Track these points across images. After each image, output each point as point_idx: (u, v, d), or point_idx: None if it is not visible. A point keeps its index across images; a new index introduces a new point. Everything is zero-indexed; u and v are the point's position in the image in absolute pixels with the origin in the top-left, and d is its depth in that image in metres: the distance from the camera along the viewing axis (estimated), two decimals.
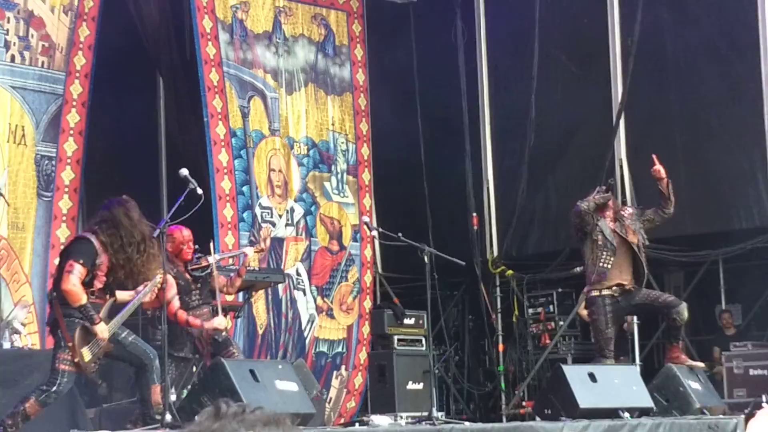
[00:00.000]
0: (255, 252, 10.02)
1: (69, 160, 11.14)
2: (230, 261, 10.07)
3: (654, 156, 10.09)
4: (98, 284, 7.52)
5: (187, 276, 8.90)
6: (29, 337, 10.06)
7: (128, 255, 7.51)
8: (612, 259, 9.70)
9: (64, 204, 11.01)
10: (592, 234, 9.75)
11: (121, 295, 7.69)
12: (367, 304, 13.31)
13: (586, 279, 9.98)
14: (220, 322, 8.67)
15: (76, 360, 7.50)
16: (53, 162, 10.97)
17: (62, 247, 8.70)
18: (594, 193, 9.87)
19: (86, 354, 7.46)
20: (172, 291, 8.57)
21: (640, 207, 10.49)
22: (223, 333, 9.17)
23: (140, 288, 7.75)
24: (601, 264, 9.67)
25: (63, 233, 10.66)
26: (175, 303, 8.53)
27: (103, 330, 7.45)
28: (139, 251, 7.54)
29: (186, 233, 8.94)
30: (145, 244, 7.58)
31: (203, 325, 8.67)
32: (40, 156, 10.93)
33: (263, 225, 12.46)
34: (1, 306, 10.14)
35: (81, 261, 7.44)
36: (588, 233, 9.78)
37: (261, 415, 1.86)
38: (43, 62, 11.06)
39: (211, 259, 8.98)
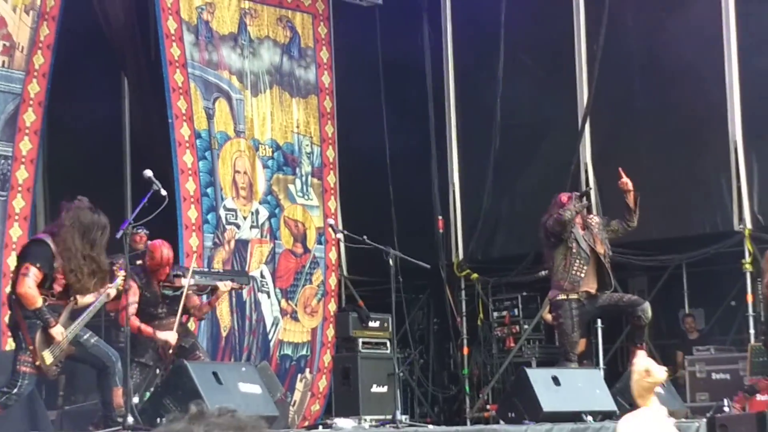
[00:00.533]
0: (228, 289, 10.00)
1: (23, 160, 11.10)
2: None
3: (620, 169, 10.14)
4: (58, 287, 7.50)
5: (156, 290, 8.92)
6: None
7: (78, 258, 7.50)
8: (585, 267, 9.79)
9: (17, 203, 10.94)
10: (567, 241, 9.81)
11: (83, 299, 7.68)
12: (332, 306, 13.29)
13: (553, 283, 10.02)
14: (170, 336, 8.72)
15: (37, 363, 7.48)
16: (9, 161, 10.94)
17: (21, 248, 8.64)
18: (573, 201, 9.91)
19: (47, 357, 7.44)
20: (132, 297, 8.60)
21: (606, 217, 10.53)
22: (191, 339, 9.21)
23: (101, 291, 7.74)
24: (574, 272, 9.76)
25: (15, 233, 10.60)
26: (131, 309, 8.55)
27: (59, 333, 7.43)
28: (88, 260, 7.53)
29: (167, 254, 9.06)
30: (98, 251, 7.56)
31: (155, 334, 8.71)
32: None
33: (227, 227, 12.46)
34: None
35: (38, 265, 7.43)
36: (564, 240, 9.84)
37: (229, 420, 1.87)
38: (3, 62, 11.01)
39: (185, 282, 9.04)
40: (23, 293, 7.42)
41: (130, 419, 7.46)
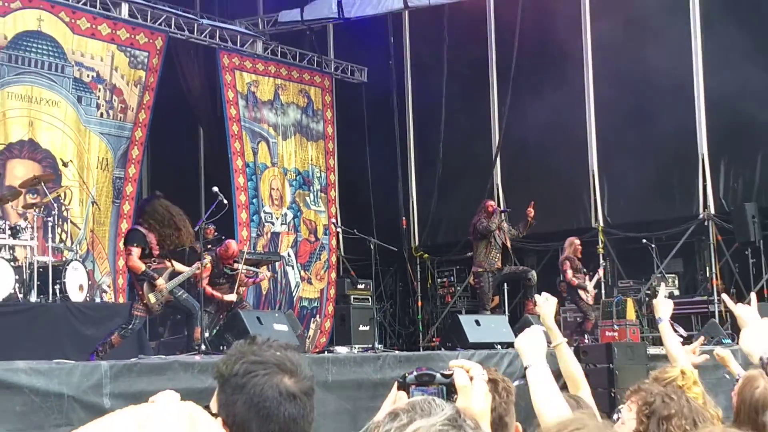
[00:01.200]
0: (265, 278, 10.37)
1: (130, 179, 11.11)
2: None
3: (532, 202, 10.09)
4: (155, 252, 7.43)
5: (222, 269, 9.04)
6: (112, 294, 9.98)
7: (166, 231, 7.41)
8: (498, 255, 9.88)
9: (125, 207, 10.97)
10: (488, 238, 9.84)
11: (178, 266, 7.63)
12: (333, 275, 13.27)
13: (476, 262, 10.02)
14: (231, 297, 8.87)
15: (145, 302, 7.39)
16: (121, 180, 10.95)
17: (123, 236, 8.58)
18: (497, 216, 9.93)
19: (152, 298, 7.38)
20: (206, 272, 8.66)
21: (509, 225, 10.46)
22: (240, 297, 9.23)
23: (194, 266, 7.73)
24: (491, 258, 9.86)
25: (124, 226, 10.59)
26: (204, 281, 8.63)
27: (161, 283, 7.36)
28: (171, 225, 7.43)
29: (235, 249, 9.27)
30: (174, 219, 7.46)
31: (222, 297, 8.82)
32: (115, 177, 10.89)
33: (266, 224, 12.45)
34: (94, 275, 10.03)
35: (135, 244, 7.36)
36: (486, 237, 9.87)
37: (279, 343, 1.87)
38: (120, 117, 10.98)
39: (239, 267, 9.14)
40: (131, 265, 7.39)
41: (203, 347, 7.41)
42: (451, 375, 1.80)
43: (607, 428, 1.86)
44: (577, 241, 10.64)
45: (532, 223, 10.13)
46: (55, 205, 8.97)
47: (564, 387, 3.13)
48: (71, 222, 10.03)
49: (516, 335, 9.10)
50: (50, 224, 8.67)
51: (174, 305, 7.78)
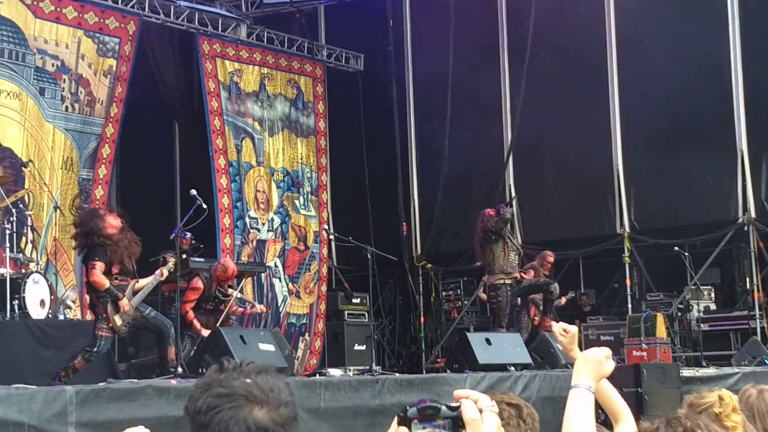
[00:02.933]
0: (261, 311, 10.45)
1: (101, 181, 11.11)
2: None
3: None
4: (114, 270, 7.47)
5: (213, 292, 9.03)
6: (78, 311, 9.96)
7: (126, 254, 7.48)
8: (516, 257, 9.77)
9: None
10: (504, 238, 9.75)
11: (142, 281, 7.64)
12: (324, 288, 13.27)
13: (491, 270, 9.85)
14: (206, 333, 8.77)
15: (110, 325, 7.44)
16: (90, 182, 10.94)
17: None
18: (505, 210, 9.88)
19: (118, 320, 7.41)
20: (194, 295, 8.74)
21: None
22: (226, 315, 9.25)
23: (156, 273, 7.71)
24: (510, 260, 9.71)
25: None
26: (190, 304, 8.74)
27: (125, 303, 7.40)
28: (131, 252, 7.51)
29: (233, 270, 9.24)
30: (127, 238, 7.53)
31: (200, 331, 8.79)
32: (82, 178, 10.88)
33: (251, 230, 12.44)
34: (56, 288, 10.02)
35: (98, 259, 7.40)
36: (501, 236, 9.79)
37: (253, 367, 1.84)
38: (87, 111, 10.98)
39: (234, 293, 9.20)
40: (95, 281, 7.40)
41: (179, 370, 7.41)
42: (457, 407, 1.78)
43: None
44: (551, 258, 10.68)
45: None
46: (14, 210, 8.93)
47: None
48: (34, 230, 10.02)
49: (532, 356, 9.05)
50: (8, 232, 8.65)
51: (142, 324, 7.79)
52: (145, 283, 7.63)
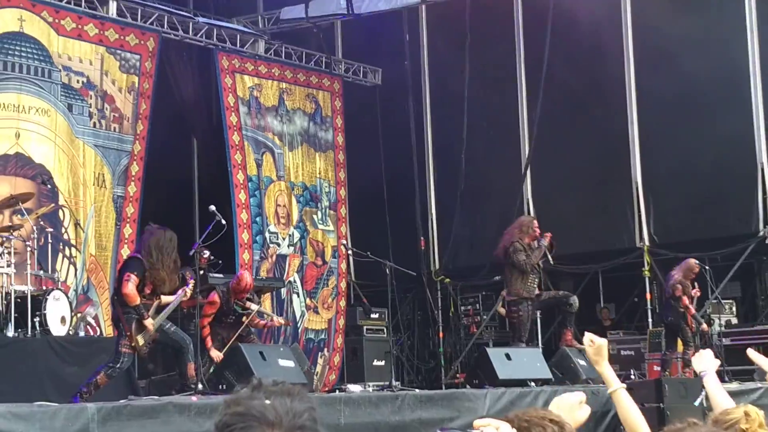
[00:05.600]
0: (279, 324, 10.53)
1: (131, 199, 11.16)
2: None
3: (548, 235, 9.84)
4: (147, 290, 7.50)
5: (231, 305, 9.00)
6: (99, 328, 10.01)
7: (161, 269, 7.51)
8: (536, 280, 9.65)
9: (126, 231, 11.00)
10: (524, 269, 9.56)
11: (165, 298, 7.67)
12: (342, 303, 13.28)
13: (511, 290, 9.64)
14: (217, 355, 8.70)
15: (133, 344, 7.47)
16: (122, 200, 11.02)
17: (122, 263, 8.65)
18: (540, 249, 9.62)
19: (140, 340, 7.43)
20: (211, 309, 8.76)
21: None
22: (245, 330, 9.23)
23: (179, 292, 7.73)
24: (529, 284, 9.49)
25: (125, 252, 10.62)
26: (207, 319, 8.74)
27: (150, 323, 7.42)
28: (167, 268, 7.54)
29: (250, 282, 9.21)
30: (170, 260, 7.57)
31: (210, 351, 8.72)
32: (116, 196, 10.96)
33: (271, 245, 12.49)
34: (96, 306, 10.16)
35: (135, 273, 7.41)
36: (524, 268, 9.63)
37: (277, 388, 1.80)
38: (114, 128, 11.08)
39: (254, 307, 9.15)
40: (127, 293, 7.39)
41: (200, 386, 7.43)
42: None
43: None
44: (696, 269, 10.57)
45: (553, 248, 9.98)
46: (34, 228, 8.98)
47: None
48: (73, 246, 10.11)
49: (552, 371, 9.01)
50: (29, 249, 8.72)
51: (161, 340, 7.81)
52: (168, 301, 7.67)
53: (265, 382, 1.83)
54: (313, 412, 1.77)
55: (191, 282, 7.87)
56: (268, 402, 1.76)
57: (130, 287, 7.35)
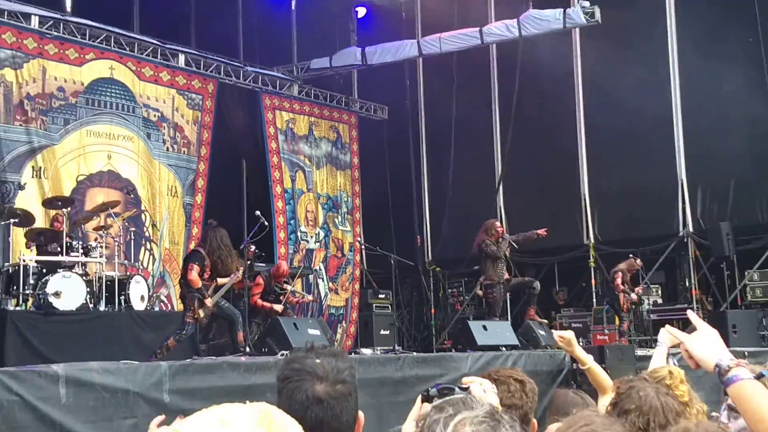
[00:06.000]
0: (308, 300, 10.62)
1: (198, 206, 11.24)
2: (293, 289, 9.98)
3: (544, 229, 9.72)
4: (206, 274, 7.51)
5: (272, 286, 9.11)
6: (176, 304, 10.02)
7: (218, 259, 7.54)
8: (504, 266, 9.62)
9: (194, 230, 11.06)
10: (496, 257, 9.55)
11: (221, 280, 7.68)
12: (357, 286, 13.25)
13: (486, 276, 9.61)
14: (279, 307, 8.86)
15: (195, 316, 7.47)
16: (191, 207, 11.08)
17: (187, 254, 8.69)
18: (504, 242, 9.54)
19: (201, 313, 7.44)
20: (258, 290, 8.80)
21: (513, 235, 10.24)
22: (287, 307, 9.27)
23: (232, 276, 7.74)
24: (499, 271, 9.49)
25: (192, 246, 10.69)
26: (257, 296, 8.81)
27: (209, 301, 7.44)
28: (222, 257, 7.55)
29: (286, 269, 9.41)
30: (228, 252, 7.60)
31: (272, 307, 8.83)
32: (186, 203, 11.01)
33: (301, 242, 12.49)
34: (170, 288, 10.22)
35: (197, 263, 7.43)
36: (496, 256, 9.63)
37: (327, 350, 1.80)
38: (183, 151, 11.14)
39: (289, 287, 9.28)
40: (191, 279, 7.42)
41: (247, 350, 7.43)
42: (467, 388, 1.81)
43: (613, 424, 1.83)
44: (637, 261, 10.37)
45: (535, 241, 9.95)
46: (120, 228, 9.03)
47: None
48: (153, 241, 10.23)
49: (519, 339, 8.95)
50: (116, 243, 8.74)
51: (218, 313, 7.83)
52: (224, 282, 7.68)
53: (316, 345, 1.83)
54: (353, 369, 1.77)
55: (241, 269, 7.88)
56: (318, 361, 1.76)
57: (193, 275, 7.38)
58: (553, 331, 3.44)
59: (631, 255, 10.65)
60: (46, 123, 9.63)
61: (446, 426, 1.10)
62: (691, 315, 2.04)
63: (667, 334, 3.89)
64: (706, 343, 1.84)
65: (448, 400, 1.18)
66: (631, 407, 2.45)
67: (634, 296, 10.19)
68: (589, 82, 12.48)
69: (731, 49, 11.35)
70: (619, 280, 10.16)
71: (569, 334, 3.40)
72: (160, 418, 2.43)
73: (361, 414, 1.76)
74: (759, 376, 1.78)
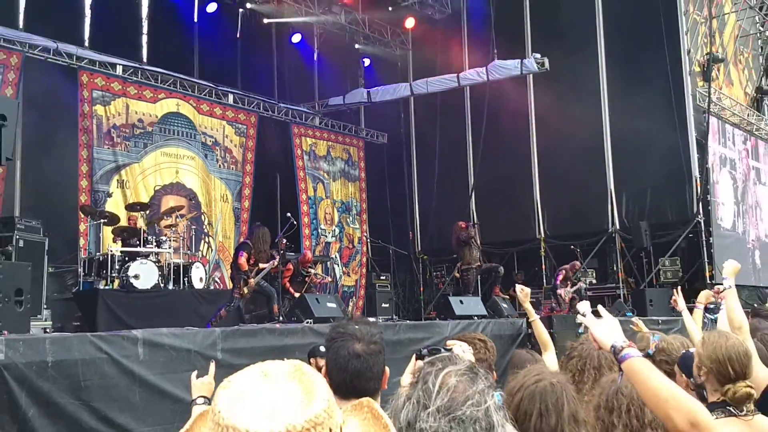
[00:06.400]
0: (327, 281, 10.45)
1: (244, 210, 11.25)
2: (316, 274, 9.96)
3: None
4: (251, 261, 7.50)
5: (299, 270, 9.04)
6: (228, 284, 9.96)
7: (260, 250, 7.52)
8: (479, 254, 9.63)
9: (243, 228, 11.07)
10: (470, 244, 9.58)
11: (261, 265, 7.67)
12: (364, 270, 13.22)
13: (464, 262, 9.64)
14: (297, 294, 8.70)
15: (241, 293, 7.46)
16: (239, 210, 11.06)
17: (238, 245, 8.66)
18: (470, 228, 9.65)
19: (246, 290, 7.42)
20: (289, 273, 8.75)
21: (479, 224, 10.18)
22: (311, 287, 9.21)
23: (270, 262, 7.74)
24: (474, 255, 9.53)
25: (241, 240, 10.68)
26: (287, 278, 8.69)
27: (252, 281, 7.42)
28: (262, 249, 7.54)
29: (310, 257, 9.38)
30: (264, 246, 7.58)
31: (293, 293, 8.76)
32: (235, 207, 11.00)
33: (321, 236, 12.47)
34: (223, 271, 10.19)
35: (245, 252, 7.42)
36: (468, 244, 9.67)
37: (361, 319, 1.84)
38: (232, 168, 11.12)
39: (312, 271, 9.24)
40: (240, 264, 7.41)
41: (280, 319, 7.41)
42: (450, 349, 1.86)
43: (557, 374, 1.85)
44: (578, 266, 10.28)
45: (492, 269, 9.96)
46: (184, 226, 9.04)
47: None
48: (210, 236, 10.26)
49: (487, 311, 8.83)
50: (182, 238, 8.74)
51: (259, 291, 7.82)
52: (264, 266, 7.67)
53: (354, 316, 1.85)
54: (381, 334, 1.80)
55: (277, 257, 7.87)
56: (357, 326, 1.79)
57: (242, 260, 7.38)
58: (517, 285, 3.43)
59: (575, 248, 10.61)
60: (129, 146, 9.67)
61: (436, 377, 1.11)
62: (602, 309, 2.04)
63: (587, 307, 3.87)
64: (606, 329, 1.83)
65: (437, 357, 1.19)
66: (575, 354, 2.51)
67: (563, 293, 10.14)
68: (540, 115, 12.47)
69: (648, 89, 11.35)
70: (560, 278, 10.11)
71: (527, 289, 3.43)
72: (196, 372, 2.42)
73: (387, 368, 1.78)
74: (646, 355, 1.80)
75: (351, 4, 12.33)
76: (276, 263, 7.75)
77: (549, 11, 12.22)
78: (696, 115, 11.22)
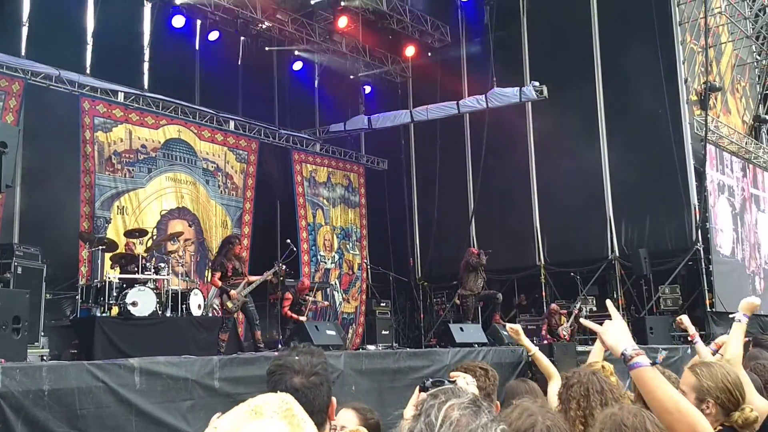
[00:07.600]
0: (325, 305, 10.50)
1: (246, 236, 11.22)
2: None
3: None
4: (229, 273, 7.42)
5: (298, 299, 9.00)
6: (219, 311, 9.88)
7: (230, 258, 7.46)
8: (482, 282, 9.61)
9: (243, 254, 11.00)
10: (476, 272, 9.53)
11: (252, 278, 7.62)
12: (364, 297, 13.15)
13: (465, 288, 9.61)
14: (303, 318, 8.75)
15: (226, 307, 7.37)
16: (239, 238, 11.01)
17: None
18: (481, 257, 9.63)
19: (230, 305, 7.36)
20: (287, 302, 8.71)
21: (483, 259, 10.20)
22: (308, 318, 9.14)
23: (263, 275, 7.69)
24: (477, 284, 9.50)
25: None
26: (287, 307, 8.66)
27: (234, 294, 7.37)
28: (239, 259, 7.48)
29: (308, 285, 9.26)
30: (241, 257, 7.51)
31: (299, 318, 8.71)
32: (234, 234, 10.98)
33: (320, 263, 12.44)
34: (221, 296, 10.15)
35: (216, 270, 7.39)
36: (476, 270, 9.59)
37: (304, 348, 1.77)
38: (233, 194, 11.15)
39: (310, 299, 9.17)
40: (214, 282, 7.40)
41: (262, 345, 7.32)
42: (454, 381, 1.84)
43: (548, 411, 1.84)
44: (554, 308, 10.23)
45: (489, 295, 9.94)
46: (183, 251, 9.01)
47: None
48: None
49: (487, 338, 8.81)
50: (181, 261, 8.71)
51: (244, 311, 7.72)
52: (254, 279, 7.62)
53: (297, 346, 1.81)
54: (325, 364, 1.73)
55: (269, 273, 7.79)
56: (297, 358, 1.73)
57: (215, 279, 7.37)
58: (506, 324, 3.43)
59: (575, 275, 10.57)
60: (133, 172, 9.72)
61: (439, 410, 1.11)
62: (609, 304, 2.06)
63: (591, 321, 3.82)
64: (616, 335, 1.84)
65: (440, 389, 1.20)
66: (575, 381, 2.49)
67: (561, 332, 10.09)
68: (539, 142, 12.55)
69: (646, 117, 11.46)
70: (544, 330, 10.00)
71: (517, 326, 3.42)
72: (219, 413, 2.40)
73: (333, 399, 1.70)
74: (653, 363, 1.81)
75: (351, 33, 12.53)
76: (269, 276, 7.70)
77: (547, 40, 12.41)
78: (694, 143, 11.31)
